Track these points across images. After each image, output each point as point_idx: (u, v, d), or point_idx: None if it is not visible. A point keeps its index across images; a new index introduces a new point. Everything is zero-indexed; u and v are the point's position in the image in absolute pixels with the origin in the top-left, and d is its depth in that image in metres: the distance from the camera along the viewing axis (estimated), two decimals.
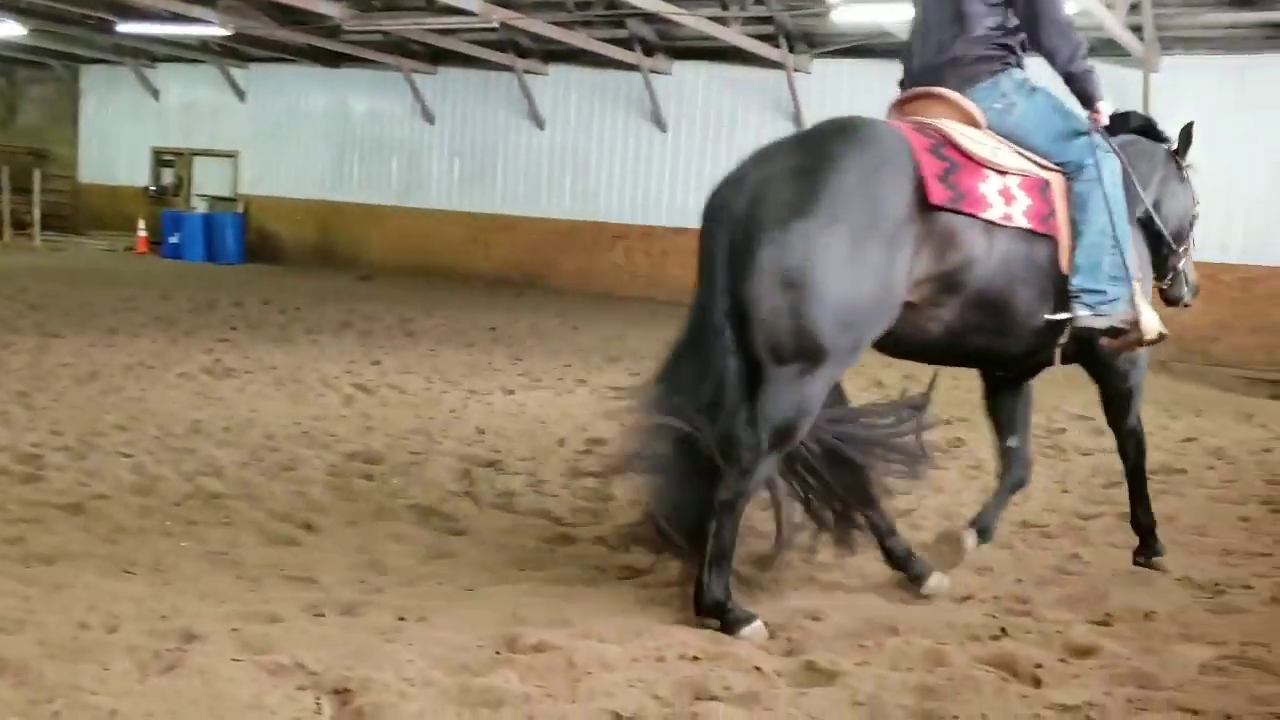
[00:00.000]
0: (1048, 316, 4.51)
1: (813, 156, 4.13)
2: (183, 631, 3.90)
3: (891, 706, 3.64)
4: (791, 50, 16.35)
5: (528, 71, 19.09)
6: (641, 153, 18.58)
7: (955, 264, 4.24)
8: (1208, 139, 14.15)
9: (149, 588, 4.37)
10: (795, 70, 16.48)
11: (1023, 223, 4.36)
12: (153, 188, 24.10)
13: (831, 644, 4.16)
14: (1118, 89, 14.69)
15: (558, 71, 19.34)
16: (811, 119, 16.76)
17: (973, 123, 4.49)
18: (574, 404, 9.23)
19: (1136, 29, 13.61)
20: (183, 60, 23.02)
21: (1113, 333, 4.63)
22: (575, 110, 19.23)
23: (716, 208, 4.18)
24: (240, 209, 22.53)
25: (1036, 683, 3.94)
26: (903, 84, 4.94)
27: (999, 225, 4.29)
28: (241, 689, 3.46)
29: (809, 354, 4.05)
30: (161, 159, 24.33)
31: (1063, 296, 4.51)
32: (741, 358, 4.11)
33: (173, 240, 21.79)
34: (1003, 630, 4.40)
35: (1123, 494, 6.98)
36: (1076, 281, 4.49)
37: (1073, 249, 4.48)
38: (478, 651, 3.91)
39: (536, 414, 8.71)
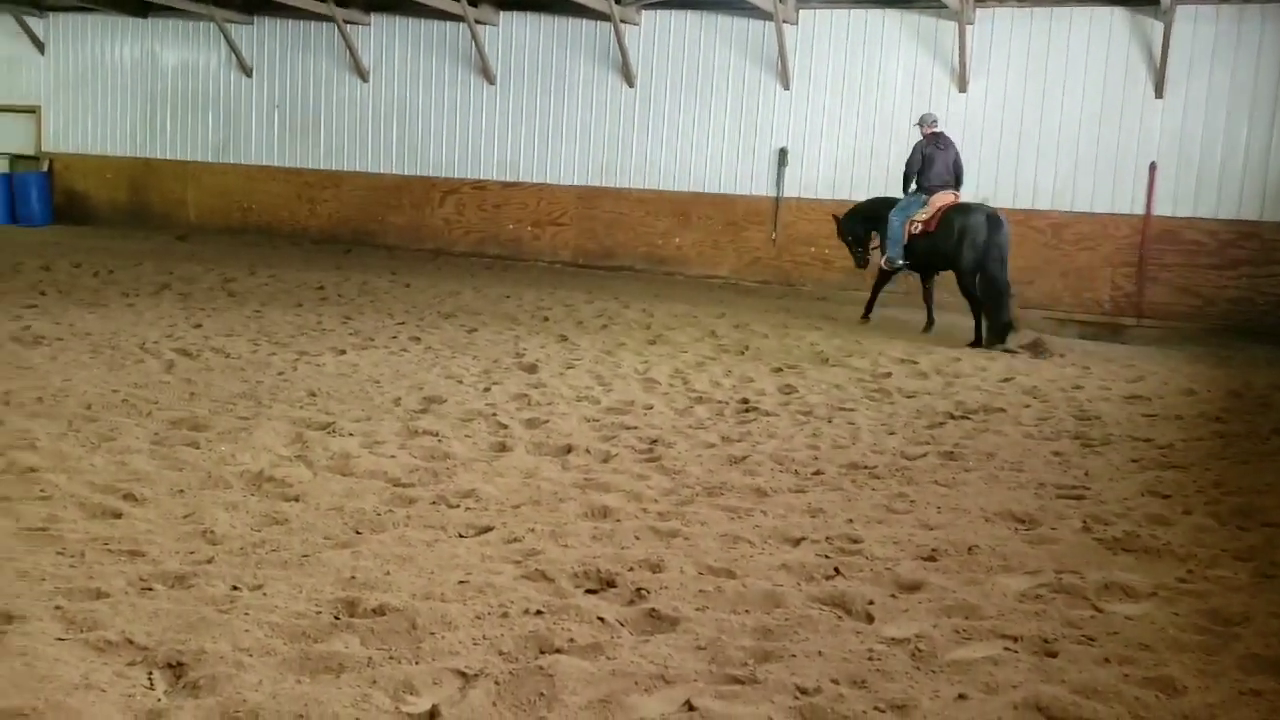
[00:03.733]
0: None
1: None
2: (1, 612, 3.73)
3: (732, 649, 3.74)
4: (619, 1, 16.30)
5: (348, 21, 18.52)
6: (470, 105, 18.28)
7: None
8: (1018, 88, 14.89)
9: None
10: (622, 22, 16.44)
11: None
12: None
13: (672, 591, 4.24)
14: (935, 39, 15.19)
15: (380, 22, 18.83)
16: (640, 71, 16.82)
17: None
18: (408, 363, 9.11)
19: None
20: None
21: None
22: (400, 62, 18.77)
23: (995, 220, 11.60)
24: (45, 167, 21.31)
25: (869, 618, 4.11)
26: (933, 186, 12.16)
27: None
28: (68, 668, 3.34)
29: None
30: None
31: None
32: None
33: None
34: (836, 570, 4.56)
35: (944, 434, 7.33)
36: None
37: None
38: (317, 618, 3.85)
39: (370, 374, 8.56)
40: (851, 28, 15.70)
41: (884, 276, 12.75)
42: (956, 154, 12.39)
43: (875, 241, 12.94)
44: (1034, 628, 4.02)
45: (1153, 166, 14.39)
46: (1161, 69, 14.08)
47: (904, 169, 12.40)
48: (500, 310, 12.39)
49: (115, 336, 9.49)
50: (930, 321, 12.51)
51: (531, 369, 9.05)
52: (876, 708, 3.36)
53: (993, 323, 11.38)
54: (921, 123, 12.40)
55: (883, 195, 13.42)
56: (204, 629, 3.67)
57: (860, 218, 13.12)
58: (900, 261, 12.23)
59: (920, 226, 11.97)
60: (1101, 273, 14.73)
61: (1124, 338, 13.91)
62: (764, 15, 15.70)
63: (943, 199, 12.02)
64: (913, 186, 12.31)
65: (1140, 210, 14.49)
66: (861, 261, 13.29)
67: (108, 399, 7.19)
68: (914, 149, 12.34)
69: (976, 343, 11.44)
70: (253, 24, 19.72)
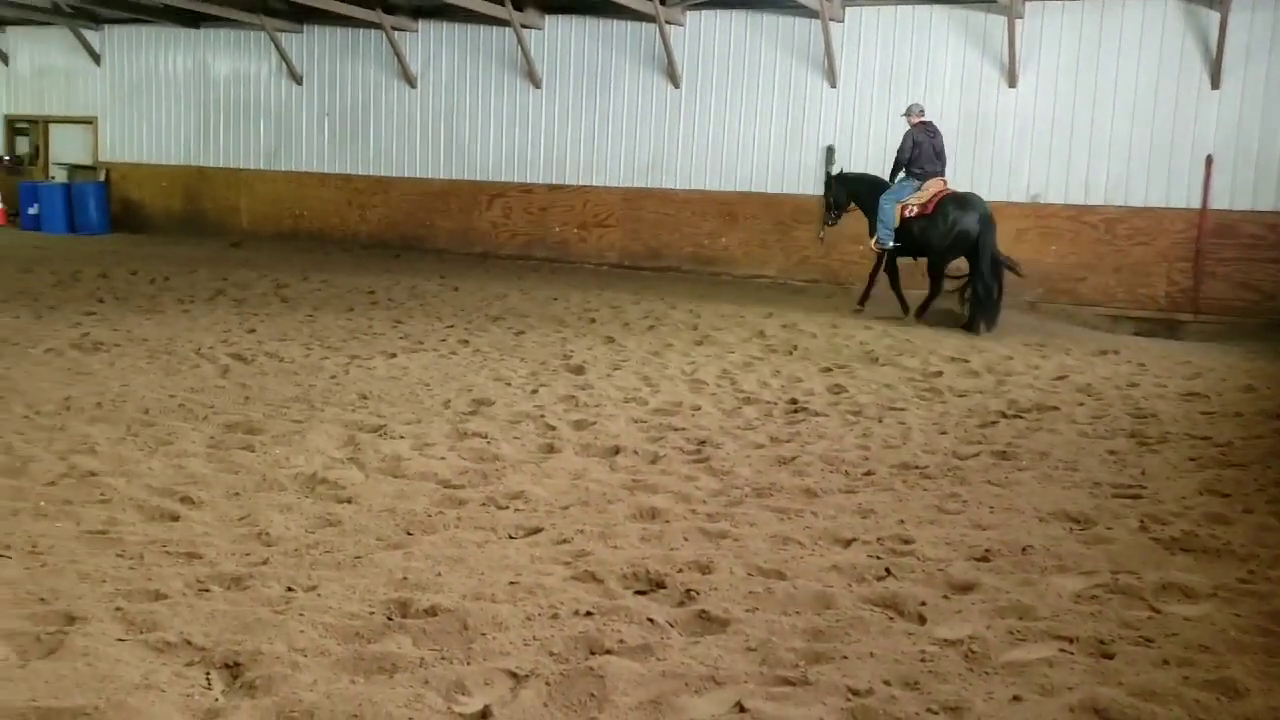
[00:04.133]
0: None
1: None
2: (63, 614, 3.81)
3: (783, 650, 3.73)
4: (664, 2, 16.29)
5: (396, 28, 18.66)
6: (516, 109, 18.36)
7: None
8: (1070, 82, 14.71)
9: (25, 571, 4.23)
10: (668, 22, 16.43)
11: None
12: (7, 157, 22.99)
13: (722, 592, 4.24)
14: (984, 34, 15.05)
15: (427, 28, 18.96)
16: (686, 71, 16.78)
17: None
18: (457, 365, 9.17)
19: None
20: (33, 23, 21.95)
21: None
22: (447, 68, 18.89)
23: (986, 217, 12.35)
24: (101, 177, 21.69)
25: (921, 619, 4.08)
26: (925, 173, 12.79)
27: None
28: (128, 669, 3.40)
29: None
30: (15, 127, 23.17)
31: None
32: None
33: (32, 212, 20.84)
34: (887, 570, 4.54)
35: (997, 433, 7.26)
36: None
37: None
38: (370, 618, 3.89)
39: (420, 377, 8.63)
40: (899, 24, 15.58)
41: (880, 261, 13.31)
42: (942, 141, 13.04)
43: (851, 208, 13.69)
44: (1090, 629, 3.97)
45: (1209, 159, 14.14)
46: (1217, 59, 13.84)
47: (896, 155, 12.98)
48: (547, 312, 12.44)
49: (171, 342, 9.64)
50: (906, 308, 13.12)
51: (579, 371, 9.08)
52: (929, 709, 3.33)
53: (981, 311, 12.31)
54: (909, 112, 12.95)
55: (878, 178, 13.55)
56: (260, 630, 3.71)
57: (851, 185, 13.60)
58: (891, 243, 12.88)
59: (916, 210, 12.65)
60: (1157, 268, 14.51)
61: (1180, 334, 13.70)
62: (810, 13, 15.63)
63: (936, 185, 12.74)
64: (901, 173, 12.95)
65: (1196, 204, 14.25)
66: (830, 220, 13.93)
67: (165, 404, 7.31)
68: (905, 136, 12.89)
69: (918, 312, 12.81)
70: (302, 32, 19.95)
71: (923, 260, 13.02)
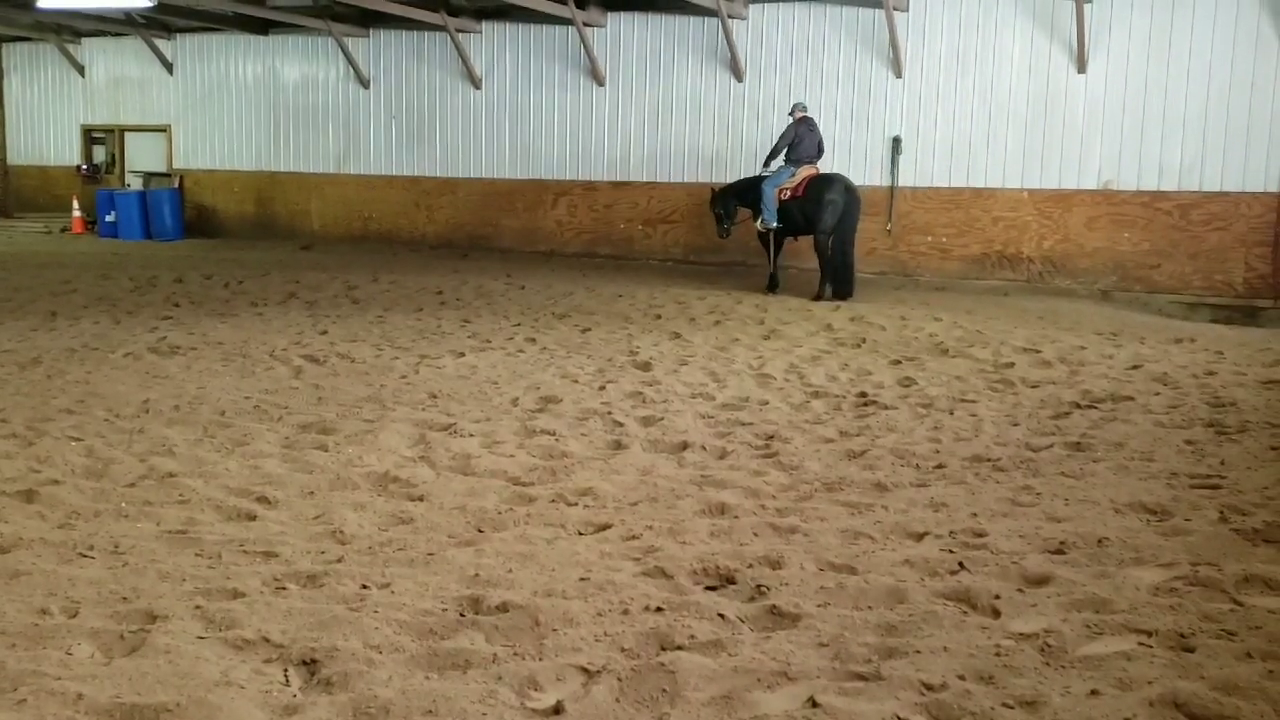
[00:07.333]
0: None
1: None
2: (145, 612, 3.90)
3: (855, 645, 3.70)
4: None
5: (460, 30, 18.81)
6: (580, 107, 18.43)
7: None
8: (1141, 66, 14.41)
9: (108, 570, 4.34)
10: (730, 17, 16.38)
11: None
12: (84, 166, 23.56)
13: (793, 588, 4.22)
14: (1051, 18, 14.80)
15: (490, 29, 19.09)
16: (750, 65, 16.71)
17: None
18: (525, 363, 9.22)
19: None
20: (107, 34, 22.47)
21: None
22: (511, 68, 19.01)
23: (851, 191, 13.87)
24: (175, 183, 22.12)
25: (995, 613, 4.03)
26: (801, 160, 14.15)
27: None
28: (208, 666, 3.47)
29: None
30: (92, 136, 23.76)
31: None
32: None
33: (109, 219, 21.34)
34: (960, 564, 4.49)
35: (1071, 424, 7.14)
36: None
37: None
38: (443, 615, 3.93)
39: (488, 375, 8.69)
40: (965, 11, 15.38)
41: (765, 241, 14.55)
42: (820, 136, 14.54)
43: (741, 217, 14.90)
44: (1169, 622, 3.89)
45: None
46: None
47: (775, 143, 14.38)
48: (613, 309, 12.47)
49: (246, 345, 9.81)
50: (775, 284, 14.55)
51: (645, 367, 9.09)
52: (1005, 704, 3.29)
53: (838, 281, 13.82)
54: (794, 109, 14.46)
55: (754, 175, 14.74)
56: (335, 627, 3.77)
57: (732, 194, 14.88)
58: (774, 224, 14.18)
59: (789, 193, 14.03)
60: (1234, 253, 14.18)
61: (1260, 320, 13.38)
62: (874, 3, 15.50)
63: (807, 171, 14.16)
64: (779, 161, 14.31)
65: (1275, 187, 13.90)
66: (722, 233, 15.15)
67: (240, 405, 7.44)
68: (788, 128, 14.30)
69: (819, 297, 13.77)
70: (369, 37, 20.18)
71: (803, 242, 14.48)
